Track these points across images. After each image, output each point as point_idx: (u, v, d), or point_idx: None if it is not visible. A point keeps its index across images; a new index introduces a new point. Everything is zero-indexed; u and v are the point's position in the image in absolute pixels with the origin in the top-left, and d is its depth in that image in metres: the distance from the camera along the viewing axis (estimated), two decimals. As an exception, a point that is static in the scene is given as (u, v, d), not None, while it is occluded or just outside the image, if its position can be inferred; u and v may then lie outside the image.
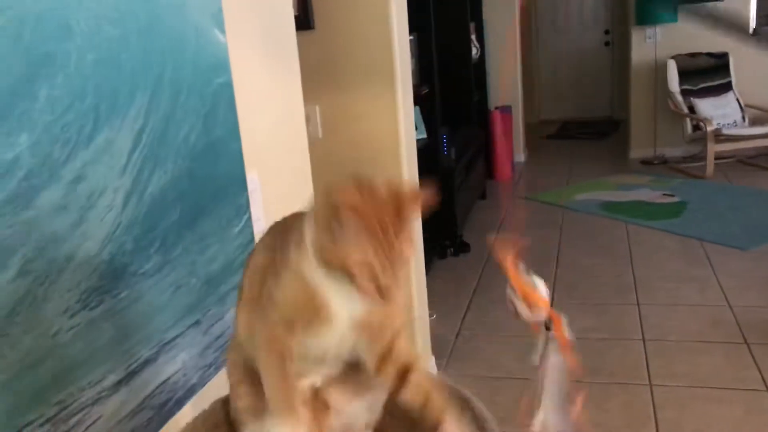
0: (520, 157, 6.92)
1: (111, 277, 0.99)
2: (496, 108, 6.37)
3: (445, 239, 4.44)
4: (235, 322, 0.90)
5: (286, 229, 0.83)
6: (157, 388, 1.09)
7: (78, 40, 0.93)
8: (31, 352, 0.85)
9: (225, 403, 1.00)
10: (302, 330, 0.79)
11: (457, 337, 3.32)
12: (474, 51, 5.75)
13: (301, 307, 0.77)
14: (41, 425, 0.87)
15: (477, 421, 0.92)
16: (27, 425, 0.85)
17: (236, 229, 1.33)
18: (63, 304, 0.90)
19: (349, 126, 2.73)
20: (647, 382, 2.75)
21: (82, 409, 0.93)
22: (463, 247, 4.49)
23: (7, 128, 0.82)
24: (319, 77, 2.69)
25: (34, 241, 0.85)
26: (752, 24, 6.16)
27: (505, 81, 6.51)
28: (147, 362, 1.07)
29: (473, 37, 5.76)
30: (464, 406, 0.96)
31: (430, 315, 3.32)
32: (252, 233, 1.39)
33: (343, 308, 0.78)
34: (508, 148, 6.45)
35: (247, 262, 0.89)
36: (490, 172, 6.18)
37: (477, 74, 5.87)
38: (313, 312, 0.77)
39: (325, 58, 2.70)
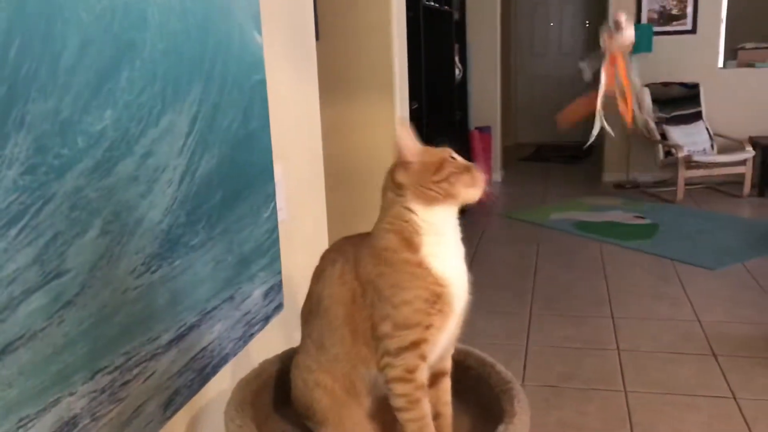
0: (497, 176, 7.10)
1: (168, 246, 1.09)
2: (476, 128, 6.55)
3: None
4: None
5: (354, 238, 1.04)
6: (199, 352, 1.19)
7: (152, 30, 1.04)
8: (107, 306, 0.95)
9: (271, 363, 1.10)
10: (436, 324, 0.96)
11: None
12: (457, 72, 5.93)
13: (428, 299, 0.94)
14: (110, 372, 0.96)
15: (502, 382, 1.04)
16: (99, 371, 0.94)
17: (265, 215, 1.44)
18: (131, 265, 1.00)
19: (347, 134, 2.85)
20: (622, 389, 2.89)
21: (142, 362, 1.03)
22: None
23: (97, 103, 0.92)
24: (321, 86, 2.81)
25: (112, 205, 0.95)
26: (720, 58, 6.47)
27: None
28: (192, 327, 1.16)
29: (457, 58, 5.95)
30: (490, 370, 1.07)
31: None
32: (276, 220, 1.50)
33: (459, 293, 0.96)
34: (487, 168, 6.63)
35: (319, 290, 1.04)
36: (469, 189, 6.33)
37: (459, 94, 6.05)
38: (441, 301, 0.95)
39: (327, 68, 2.82)
